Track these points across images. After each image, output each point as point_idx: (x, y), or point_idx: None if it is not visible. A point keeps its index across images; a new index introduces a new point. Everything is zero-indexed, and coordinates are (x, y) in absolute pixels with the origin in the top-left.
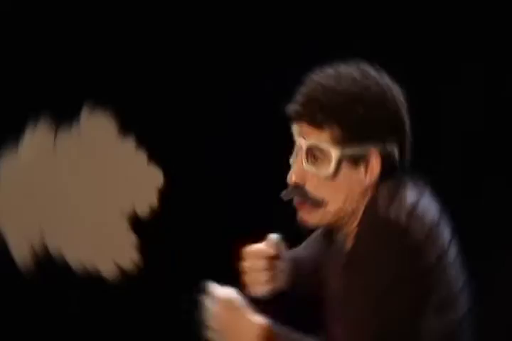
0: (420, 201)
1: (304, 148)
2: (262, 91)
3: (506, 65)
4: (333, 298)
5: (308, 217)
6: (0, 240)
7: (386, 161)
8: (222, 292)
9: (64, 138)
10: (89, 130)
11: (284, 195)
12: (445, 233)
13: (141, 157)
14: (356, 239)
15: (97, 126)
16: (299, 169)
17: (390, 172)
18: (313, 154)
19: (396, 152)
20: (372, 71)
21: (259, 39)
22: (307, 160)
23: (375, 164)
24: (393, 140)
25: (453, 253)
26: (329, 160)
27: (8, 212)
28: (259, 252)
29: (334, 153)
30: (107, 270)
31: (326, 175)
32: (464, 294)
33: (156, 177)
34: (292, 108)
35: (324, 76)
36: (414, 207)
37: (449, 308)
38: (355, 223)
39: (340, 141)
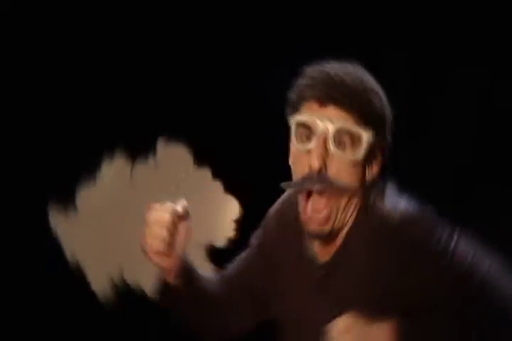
0: (408, 202)
1: (332, 130)
2: None
3: (499, 72)
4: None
5: (321, 208)
6: (79, 273)
7: (385, 159)
8: (335, 326)
9: (141, 170)
10: (165, 161)
11: (297, 184)
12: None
13: (218, 187)
14: (353, 243)
15: (173, 157)
16: (322, 154)
17: (383, 171)
18: (340, 138)
19: (389, 151)
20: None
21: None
22: (334, 144)
23: (381, 159)
24: (389, 135)
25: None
26: (360, 144)
27: (86, 244)
28: (167, 206)
29: (365, 137)
30: None
31: (355, 160)
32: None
33: (233, 207)
34: (318, 89)
35: (338, 66)
36: (408, 207)
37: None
38: (345, 230)
39: (366, 128)
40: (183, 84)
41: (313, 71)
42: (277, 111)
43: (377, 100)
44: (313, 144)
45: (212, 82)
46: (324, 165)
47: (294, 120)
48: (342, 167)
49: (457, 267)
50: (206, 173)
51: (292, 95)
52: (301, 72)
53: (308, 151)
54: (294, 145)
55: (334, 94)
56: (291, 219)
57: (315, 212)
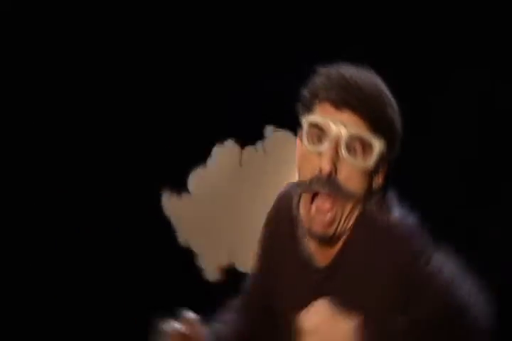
0: (404, 213)
1: (345, 136)
2: None
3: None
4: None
5: (326, 210)
6: (190, 254)
7: (390, 169)
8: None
9: (249, 155)
10: (273, 148)
11: (306, 184)
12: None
13: None
14: (352, 247)
15: (281, 146)
16: (333, 157)
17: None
18: (352, 143)
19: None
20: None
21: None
22: (346, 149)
23: (386, 169)
24: (398, 146)
25: None
26: (371, 152)
27: (197, 225)
28: (173, 330)
29: (377, 145)
30: None
31: (365, 167)
32: None
33: None
34: (334, 93)
35: (353, 70)
36: (406, 218)
37: None
38: (346, 235)
39: (378, 137)
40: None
41: (329, 72)
42: None
43: (390, 109)
44: (325, 147)
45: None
46: (335, 169)
47: (307, 120)
48: (352, 173)
49: (426, 280)
50: None
51: (306, 94)
52: (315, 71)
53: (319, 153)
54: (305, 145)
55: (350, 99)
56: (287, 219)
57: (319, 213)
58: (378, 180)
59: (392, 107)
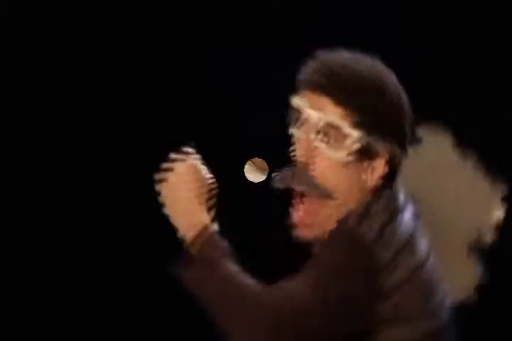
0: (396, 218)
1: (320, 123)
2: None
3: None
4: None
5: (305, 214)
6: None
7: (391, 166)
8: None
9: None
10: (428, 148)
11: (282, 178)
12: (420, 248)
13: (481, 177)
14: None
15: (436, 145)
16: (307, 145)
17: (390, 179)
18: (327, 132)
19: (401, 158)
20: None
21: None
22: (319, 137)
23: (382, 165)
24: (402, 143)
25: (430, 265)
26: (346, 142)
27: None
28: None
29: (355, 136)
30: None
31: (339, 158)
32: (443, 305)
33: (496, 199)
34: (314, 77)
35: (347, 57)
36: (384, 227)
37: (424, 320)
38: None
39: (358, 127)
40: None
41: (319, 57)
42: None
43: (385, 100)
44: (301, 133)
45: None
46: (310, 158)
47: (291, 102)
48: (327, 165)
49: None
50: (470, 162)
51: (298, 77)
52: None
53: (298, 139)
54: (289, 128)
55: (330, 85)
56: None
57: (300, 215)
58: (373, 177)
59: (388, 97)
